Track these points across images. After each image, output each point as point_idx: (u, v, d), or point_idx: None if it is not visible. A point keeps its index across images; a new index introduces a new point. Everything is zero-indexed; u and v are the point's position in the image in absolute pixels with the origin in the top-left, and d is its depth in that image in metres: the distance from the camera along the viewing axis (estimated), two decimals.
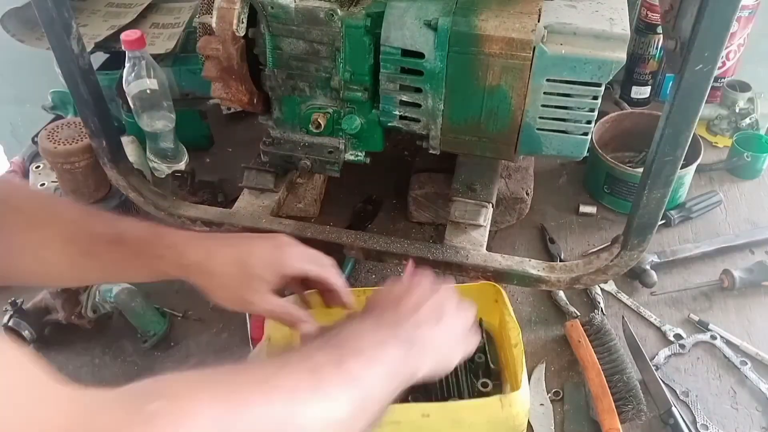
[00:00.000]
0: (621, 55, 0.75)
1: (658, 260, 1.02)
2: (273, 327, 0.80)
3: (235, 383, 0.45)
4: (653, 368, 0.88)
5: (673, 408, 0.82)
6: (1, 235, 0.64)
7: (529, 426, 0.83)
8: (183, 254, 0.69)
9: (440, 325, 0.63)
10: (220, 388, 0.44)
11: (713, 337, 0.93)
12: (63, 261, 0.67)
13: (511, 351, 0.78)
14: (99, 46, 1.21)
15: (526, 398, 0.73)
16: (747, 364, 0.89)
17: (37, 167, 1.18)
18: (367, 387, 0.53)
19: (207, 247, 0.70)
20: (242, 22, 0.84)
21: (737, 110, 1.27)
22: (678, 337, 0.93)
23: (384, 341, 0.57)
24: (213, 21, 0.84)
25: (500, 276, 0.88)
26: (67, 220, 0.69)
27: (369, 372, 0.53)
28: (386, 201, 1.15)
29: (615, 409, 0.81)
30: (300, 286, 0.76)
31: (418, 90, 0.83)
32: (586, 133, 0.82)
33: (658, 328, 0.95)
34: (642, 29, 1.28)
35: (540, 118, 0.81)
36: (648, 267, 1.00)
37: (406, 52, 0.81)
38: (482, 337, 0.80)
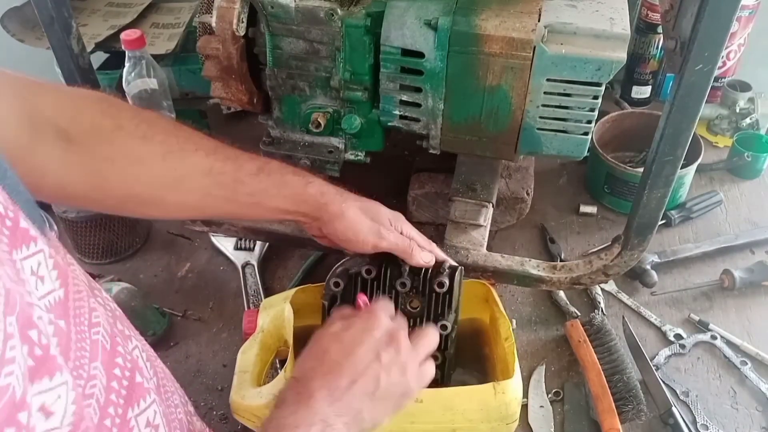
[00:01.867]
0: (621, 55, 0.75)
1: (659, 260, 1.02)
2: (266, 319, 0.81)
3: None
4: (653, 368, 0.88)
5: (673, 408, 0.82)
6: (148, 158, 0.64)
7: (529, 427, 0.83)
8: (324, 186, 0.73)
9: (376, 393, 0.59)
10: None
11: (713, 337, 0.93)
12: (202, 190, 0.68)
13: (502, 344, 0.78)
14: (99, 46, 1.21)
15: (519, 386, 0.73)
16: (747, 364, 0.89)
17: None
18: None
19: (342, 193, 0.74)
20: (242, 22, 0.84)
21: (737, 110, 1.27)
22: (678, 337, 0.93)
23: None
24: (213, 20, 0.84)
25: (500, 276, 0.88)
26: (208, 148, 0.68)
27: None
28: (386, 201, 1.14)
29: (615, 409, 0.81)
30: None
31: (418, 90, 0.83)
32: (586, 133, 0.82)
33: (659, 328, 0.95)
34: (642, 29, 1.28)
35: (540, 117, 0.81)
36: (648, 267, 1.00)
37: (406, 52, 0.81)
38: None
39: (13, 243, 0.35)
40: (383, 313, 0.64)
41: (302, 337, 0.77)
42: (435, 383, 0.70)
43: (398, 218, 0.77)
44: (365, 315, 0.64)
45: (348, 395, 0.57)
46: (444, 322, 0.75)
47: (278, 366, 0.85)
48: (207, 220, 0.96)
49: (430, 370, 0.65)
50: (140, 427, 0.46)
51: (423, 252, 0.74)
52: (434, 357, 0.75)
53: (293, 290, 0.83)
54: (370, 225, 0.73)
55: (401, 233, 0.75)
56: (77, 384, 0.38)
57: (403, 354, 0.62)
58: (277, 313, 0.81)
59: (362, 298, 0.72)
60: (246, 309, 0.96)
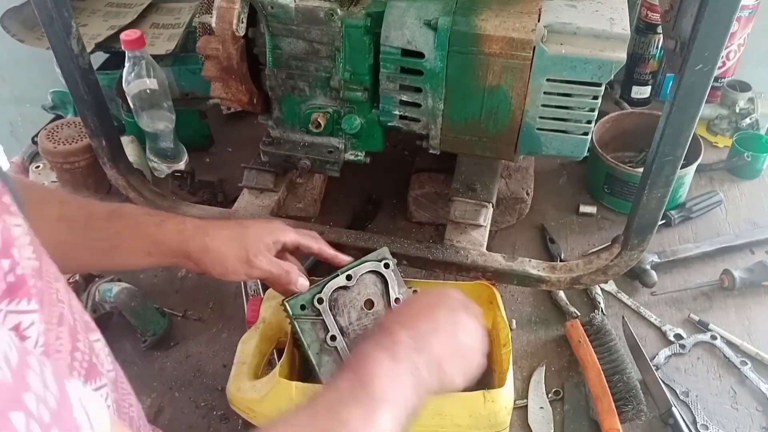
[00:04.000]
0: (621, 55, 0.75)
1: (659, 260, 1.02)
2: (268, 310, 0.82)
3: None
4: (653, 368, 0.87)
5: (674, 408, 0.82)
6: None
7: (529, 428, 0.83)
8: (182, 221, 0.72)
9: (454, 346, 0.62)
10: None
11: (713, 337, 0.93)
12: (56, 238, 0.66)
13: (500, 351, 0.79)
14: (99, 46, 1.21)
15: (510, 396, 0.73)
16: (747, 364, 0.89)
17: (37, 167, 1.18)
18: (391, 429, 0.53)
19: (203, 226, 0.73)
20: (242, 22, 0.84)
21: (737, 110, 1.27)
22: (678, 337, 0.93)
23: (402, 378, 0.56)
24: (213, 21, 0.84)
25: (500, 276, 0.88)
26: (63, 199, 0.69)
27: (393, 416, 0.53)
28: (386, 201, 1.15)
29: (615, 409, 0.81)
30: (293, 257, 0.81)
31: (418, 90, 0.83)
32: (586, 133, 0.82)
33: (659, 328, 0.95)
34: (642, 29, 1.28)
35: (540, 117, 0.81)
36: (648, 267, 1.00)
37: (406, 52, 0.81)
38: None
39: (2, 209, 0.37)
40: (454, 290, 0.68)
41: None
42: None
43: (282, 234, 0.77)
44: (439, 289, 0.69)
45: (428, 338, 0.59)
46: None
47: (276, 360, 0.85)
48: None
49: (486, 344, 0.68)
50: None
51: (300, 278, 0.75)
52: None
53: None
54: (237, 254, 0.72)
55: (288, 250, 0.78)
56: (48, 325, 0.39)
57: (475, 320, 0.66)
58: (279, 305, 0.81)
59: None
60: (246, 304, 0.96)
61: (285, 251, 0.79)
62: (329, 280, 0.75)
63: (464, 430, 0.74)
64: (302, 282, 0.75)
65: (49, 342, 0.38)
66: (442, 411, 0.73)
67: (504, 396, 0.72)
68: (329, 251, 0.81)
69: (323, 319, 0.74)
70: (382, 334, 0.59)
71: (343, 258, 0.80)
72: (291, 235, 0.77)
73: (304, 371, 0.80)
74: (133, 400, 0.58)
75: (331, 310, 0.75)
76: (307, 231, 0.82)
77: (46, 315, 0.39)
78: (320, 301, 0.74)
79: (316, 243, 0.80)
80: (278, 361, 0.81)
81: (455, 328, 0.63)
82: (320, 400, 0.52)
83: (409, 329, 0.59)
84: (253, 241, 0.73)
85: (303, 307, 0.74)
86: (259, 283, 1.02)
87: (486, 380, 0.82)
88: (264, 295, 0.86)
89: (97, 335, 0.51)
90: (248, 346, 0.80)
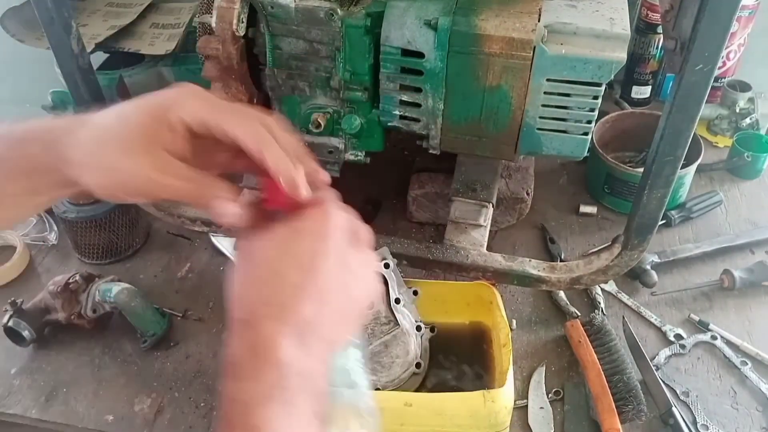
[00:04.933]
0: (621, 55, 0.75)
1: (659, 260, 1.02)
2: None
3: None
4: (653, 368, 0.87)
5: (674, 408, 0.82)
6: None
7: (529, 428, 0.83)
8: (55, 139, 0.47)
9: (347, 315, 0.46)
10: None
11: (713, 337, 0.93)
12: None
13: (500, 351, 0.79)
14: (99, 46, 1.21)
15: (510, 395, 0.73)
16: (747, 364, 0.89)
17: None
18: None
19: (82, 116, 0.48)
20: (242, 22, 0.84)
21: (737, 110, 1.27)
22: (678, 337, 0.93)
23: (303, 423, 0.41)
24: (213, 21, 0.84)
25: (500, 276, 0.88)
26: None
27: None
28: (386, 201, 1.15)
29: (615, 409, 0.81)
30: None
31: (418, 90, 0.83)
32: (586, 133, 0.82)
33: (659, 328, 0.95)
34: (642, 29, 1.28)
35: (540, 117, 0.81)
36: (648, 267, 1.00)
37: (406, 52, 0.81)
38: None
39: None
40: (335, 207, 0.48)
41: None
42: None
43: (180, 105, 0.46)
44: (315, 214, 0.46)
45: (318, 328, 0.43)
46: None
47: None
48: (207, 220, 0.96)
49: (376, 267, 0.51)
50: None
51: (227, 203, 0.46)
52: (416, 365, 0.77)
53: None
54: (115, 147, 0.45)
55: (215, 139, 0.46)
56: None
57: (365, 252, 0.48)
58: None
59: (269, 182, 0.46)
60: None
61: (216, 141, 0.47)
62: None
63: (464, 430, 0.74)
64: (228, 208, 0.46)
65: None
66: (442, 411, 0.73)
67: (504, 396, 0.72)
68: (273, 155, 0.46)
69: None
70: (260, 360, 0.41)
71: (302, 192, 0.47)
72: (190, 111, 0.46)
73: None
74: None
75: None
76: (235, 105, 0.49)
77: None
78: None
79: (242, 127, 0.46)
80: None
81: (348, 284, 0.45)
82: None
83: (293, 328, 0.42)
84: (137, 131, 0.45)
85: None
86: None
87: (486, 380, 0.83)
88: None
89: None
90: None
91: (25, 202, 0.51)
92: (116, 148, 0.45)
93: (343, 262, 0.46)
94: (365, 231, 0.50)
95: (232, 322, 0.43)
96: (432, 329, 0.84)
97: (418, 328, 0.82)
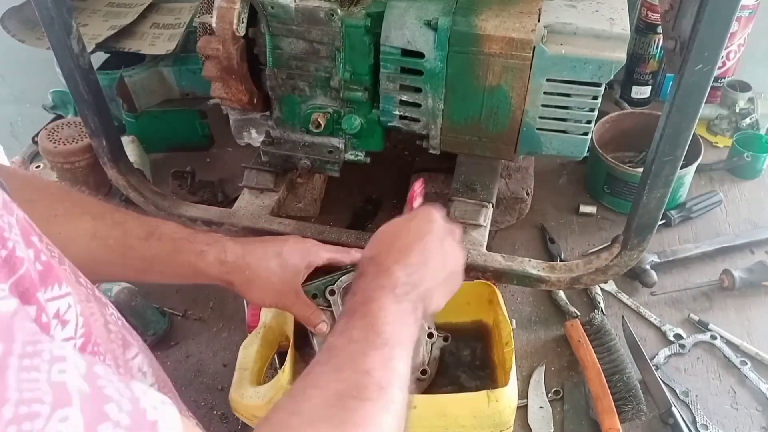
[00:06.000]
0: (621, 55, 0.75)
1: (658, 260, 1.02)
2: (268, 314, 0.82)
3: (336, 419, 0.46)
4: (653, 368, 0.88)
5: (673, 408, 0.82)
6: (50, 225, 0.62)
7: (528, 428, 0.83)
8: (223, 250, 0.70)
9: (442, 275, 0.64)
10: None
11: (713, 337, 0.93)
12: (90, 255, 0.66)
13: (503, 350, 0.79)
14: (99, 46, 1.21)
15: (514, 395, 0.73)
16: (747, 364, 0.89)
17: (38, 167, 1.18)
18: (405, 371, 0.54)
19: (243, 244, 0.72)
20: (242, 22, 0.84)
21: (737, 110, 1.27)
22: (678, 337, 0.93)
23: (407, 318, 0.57)
24: (213, 21, 0.84)
25: (500, 276, 0.88)
26: (95, 213, 0.67)
27: (406, 358, 0.55)
28: (386, 201, 1.15)
29: (615, 409, 0.81)
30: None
31: (418, 90, 0.83)
32: (586, 133, 0.82)
33: (658, 328, 0.95)
34: (642, 29, 1.28)
35: (540, 117, 0.81)
36: (648, 267, 1.00)
37: (406, 52, 0.81)
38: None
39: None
40: (437, 211, 0.68)
41: (304, 333, 0.77)
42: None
43: (316, 256, 0.76)
44: (423, 211, 0.68)
45: (421, 272, 0.61)
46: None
47: (277, 365, 0.85)
48: (207, 220, 0.96)
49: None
50: (133, 371, 0.47)
51: (323, 324, 0.74)
52: (422, 371, 0.77)
53: None
54: (277, 289, 0.72)
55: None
56: (82, 308, 0.40)
57: (459, 245, 0.68)
58: (279, 309, 0.81)
59: (419, 185, 0.76)
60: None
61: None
62: (342, 274, 0.76)
63: (469, 430, 0.74)
64: (322, 327, 0.74)
65: (88, 322, 0.38)
66: (446, 411, 0.73)
67: (508, 395, 0.72)
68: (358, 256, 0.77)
69: (332, 311, 0.75)
70: (380, 274, 0.59)
71: None
72: (323, 256, 0.76)
73: None
74: (157, 365, 0.59)
75: (341, 302, 0.75)
76: (335, 247, 0.79)
77: (76, 294, 0.40)
78: (332, 293, 0.75)
79: (347, 255, 0.78)
80: (280, 366, 0.81)
81: (444, 258, 0.64)
82: (340, 352, 0.53)
83: (404, 266, 0.60)
84: (290, 274, 0.73)
85: (314, 296, 0.75)
86: None
87: (489, 380, 0.83)
88: None
89: (111, 309, 0.51)
90: (250, 352, 0.80)
91: (183, 281, 0.75)
92: (281, 282, 0.72)
93: (440, 241, 0.65)
94: (459, 230, 0.69)
95: (362, 259, 0.64)
96: (446, 338, 0.83)
97: (430, 335, 0.81)
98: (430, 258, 0.63)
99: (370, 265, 0.62)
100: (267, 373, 0.82)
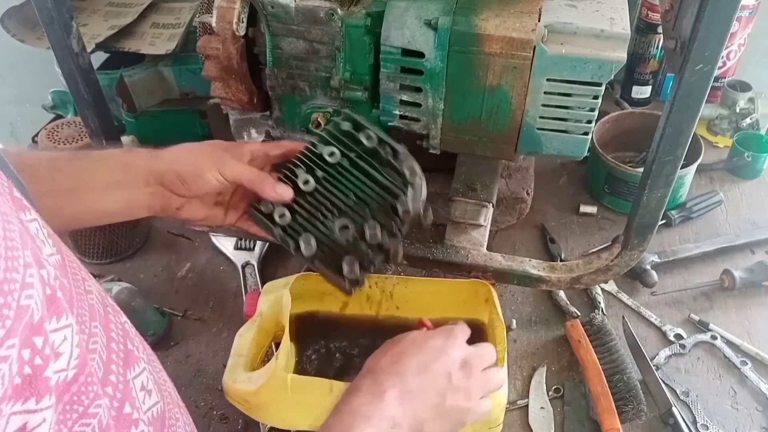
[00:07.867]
0: (621, 55, 0.75)
1: (659, 260, 1.02)
2: (266, 303, 0.82)
3: None
4: (653, 368, 0.87)
5: (674, 408, 0.82)
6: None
7: (529, 428, 0.83)
8: (153, 150, 0.69)
9: (440, 408, 0.61)
10: None
11: (713, 337, 0.93)
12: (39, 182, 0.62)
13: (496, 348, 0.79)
14: (99, 46, 1.21)
15: (504, 393, 0.73)
16: (747, 364, 0.89)
17: None
18: None
19: (173, 147, 0.71)
20: (242, 22, 0.84)
21: (738, 110, 1.27)
22: (678, 337, 0.93)
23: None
24: (213, 20, 0.84)
25: (500, 276, 0.88)
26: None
27: None
28: None
29: (615, 409, 0.81)
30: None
31: (419, 89, 0.83)
32: (586, 133, 0.82)
33: (659, 328, 0.95)
34: (642, 29, 1.28)
35: (540, 117, 0.81)
36: (648, 267, 1.00)
37: (406, 52, 0.81)
38: None
39: (17, 207, 0.36)
40: (462, 337, 0.66)
41: (301, 323, 0.77)
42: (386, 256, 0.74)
43: (242, 147, 0.74)
44: (446, 333, 0.66)
45: (416, 402, 0.59)
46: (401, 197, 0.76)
47: (274, 349, 0.85)
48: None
49: (488, 405, 0.66)
50: (137, 390, 0.47)
51: (278, 184, 0.71)
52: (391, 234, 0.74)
53: (294, 276, 0.84)
54: (210, 159, 0.69)
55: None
56: (82, 330, 0.39)
57: (472, 382, 0.63)
58: (276, 298, 0.81)
59: (426, 322, 0.74)
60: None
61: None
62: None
63: None
64: (282, 189, 0.70)
65: (83, 353, 0.37)
66: None
67: (498, 393, 0.72)
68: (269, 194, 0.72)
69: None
70: (373, 397, 0.58)
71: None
72: (254, 146, 0.74)
73: (300, 365, 0.80)
74: (165, 376, 0.58)
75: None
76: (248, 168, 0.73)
77: (78, 316, 0.39)
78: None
79: (285, 145, 0.76)
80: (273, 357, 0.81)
81: (444, 392, 0.61)
82: None
83: (399, 392, 0.59)
84: (221, 152, 0.71)
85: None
86: (257, 277, 1.02)
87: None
88: (263, 288, 0.86)
89: (123, 318, 0.51)
90: (245, 339, 0.80)
91: (113, 190, 0.67)
92: (199, 151, 0.70)
93: (447, 377, 0.62)
94: (482, 359, 0.66)
95: (364, 368, 0.63)
96: None
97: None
98: (430, 388, 0.60)
99: (367, 378, 0.60)
100: (262, 361, 0.82)
